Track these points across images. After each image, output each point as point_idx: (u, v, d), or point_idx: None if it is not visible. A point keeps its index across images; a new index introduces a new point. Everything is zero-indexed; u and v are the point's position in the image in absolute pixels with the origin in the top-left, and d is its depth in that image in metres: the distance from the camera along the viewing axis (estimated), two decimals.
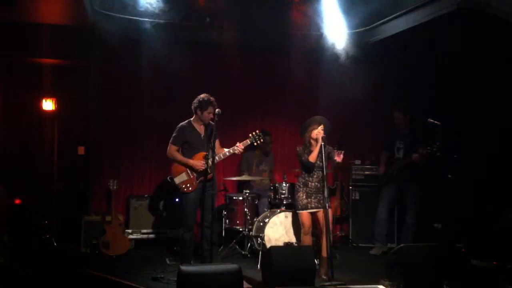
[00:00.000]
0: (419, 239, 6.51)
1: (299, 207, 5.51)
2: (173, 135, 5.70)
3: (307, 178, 5.51)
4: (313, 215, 5.50)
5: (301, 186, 5.53)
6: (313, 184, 5.47)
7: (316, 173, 5.48)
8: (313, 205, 5.45)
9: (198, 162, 5.55)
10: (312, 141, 5.49)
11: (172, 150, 5.67)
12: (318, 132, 5.41)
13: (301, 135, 5.63)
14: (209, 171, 5.33)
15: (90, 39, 6.86)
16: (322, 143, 5.30)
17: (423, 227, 6.69)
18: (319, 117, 5.54)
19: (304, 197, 5.47)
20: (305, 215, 5.48)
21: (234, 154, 5.69)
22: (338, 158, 5.29)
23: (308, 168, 5.48)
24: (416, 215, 6.64)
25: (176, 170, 5.65)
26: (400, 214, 6.93)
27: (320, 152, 5.34)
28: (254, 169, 7.12)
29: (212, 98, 5.59)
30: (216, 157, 5.45)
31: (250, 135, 5.72)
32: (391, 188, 6.77)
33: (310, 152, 5.44)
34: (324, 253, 5.38)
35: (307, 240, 5.52)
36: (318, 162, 5.43)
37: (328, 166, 5.67)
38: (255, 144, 5.84)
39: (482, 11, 5.39)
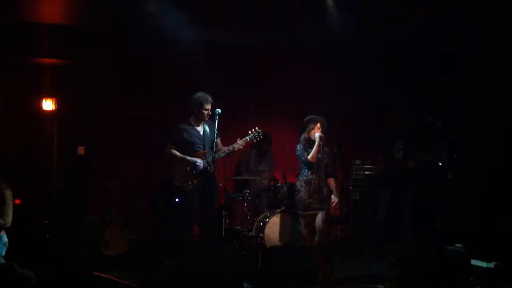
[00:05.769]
0: (419, 239, 6.50)
1: (302, 207, 5.44)
2: (172, 134, 5.68)
3: (310, 176, 5.46)
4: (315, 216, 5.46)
5: (303, 185, 5.46)
6: (316, 182, 5.40)
7: (319, 171, 5.43)
8: (315, 206, 5.40)
9: (196, 158, 5.53)
10: (311, 141, 5.50)
11: (170, 149, 5.62)
12: (316, 131, 5.44)
13: (299, 134, 5.64)
14: (209, 169, 5.32)
15: (90, 39, 6.86)
16: (321, 143, 5.34)
17: (423, 227, 6.69)
18: (316, 116, 5.57)
19: (307, 196, 5.41)
20: (308, 216, 5.43)
21: (234, 151, 5.67)
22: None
23: (310, 167, 5.47)
24: (415, 215, 6.63)
25: (176, 169, 5.63)
26: (399, 214, 6.91)
27: (319, 151, 5.37)
28: (253, 169, 7.11)
29: (208, 95, 5.58)
30: (216, 155, 5.45)
31: (250, 132, 5.71)
32: (390, 188, 6.75)
33: (310, 151, 5.44)
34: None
35: (310, 240, 5.43)
36: (318, 160, 5.42)
37: None
38: (254, 140, 5.82)
39: (483, 12, 5.41)
